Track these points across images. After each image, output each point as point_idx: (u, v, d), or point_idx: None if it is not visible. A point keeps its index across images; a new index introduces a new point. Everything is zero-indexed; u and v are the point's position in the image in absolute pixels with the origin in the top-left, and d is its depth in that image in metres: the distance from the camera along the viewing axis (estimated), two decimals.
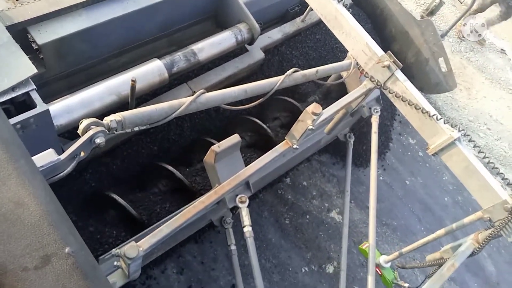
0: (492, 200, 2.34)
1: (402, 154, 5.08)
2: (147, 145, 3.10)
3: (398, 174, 4.88)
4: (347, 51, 2.90)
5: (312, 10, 3.49)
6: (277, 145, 2.53)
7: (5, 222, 1.06)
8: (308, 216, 4.12)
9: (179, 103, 1.99)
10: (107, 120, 1.76)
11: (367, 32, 2.76)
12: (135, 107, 2.28)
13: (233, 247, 2.75)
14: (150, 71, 2.79)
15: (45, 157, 1.57)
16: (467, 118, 6.09)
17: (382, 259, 3.21)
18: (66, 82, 2.82)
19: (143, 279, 3.27)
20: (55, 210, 1.14)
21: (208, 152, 2.52)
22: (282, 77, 2.40)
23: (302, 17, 3.93)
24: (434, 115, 2.51)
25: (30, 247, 1.06)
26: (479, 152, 2.49)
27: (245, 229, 2.43)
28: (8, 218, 1.07)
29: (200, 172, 3.06)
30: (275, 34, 3.76)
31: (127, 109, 1.96)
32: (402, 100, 2.60)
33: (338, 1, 2.75)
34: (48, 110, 2.15)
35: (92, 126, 1.69)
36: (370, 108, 3.38)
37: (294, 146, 2.46)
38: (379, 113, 3.30)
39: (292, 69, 2.47)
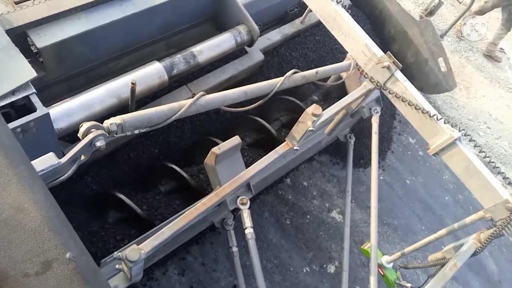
0: (493, 200, 2.34)
1: (402, 153, 5.07)
2: (147, 148, 3.10)
3: (398, 174, 4.87)
4: (347, 52, 2.90)
5: (311, 11, 3.50)
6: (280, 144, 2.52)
7: (5, 228, 1.06)
8: (308, 216, 4.11)
9: (179, 105, 1.99)
10: (107, 123, 1.76)
11: (366, 33, 2.75)
12: (135, 110, 2.28)
13: (234, 249, 2.73)
14: (150, 73, 2.79)
15: (46, 161, 1.58)
16: (467, 117, 6.08)
17: (384, 259, 3.19)
18: (66, 86, 2.83)
19: (144, 280, 3.26)
20: (56, 215, 1.14)
21: (209, 154, 2.52)
22: (281, 78, 2.40)
23: (301, 18, 3.92)
24: (434, 115, 2.51)
25: (31, 253, 1.05)
26: (480, 151, 2.48)
27: (246, 231, 2.42)
28: (9, 224, 1.07)
29: (203, 171, 3.04)
30: (275, 36, 3.76)
31: (127, 112, 1.96)
32: (402, 100, 2.60)
33: (337, 2, 2.74)
34: (48, 113, 2.16)
35: (92, 129, 1.69)
36: (370, 109, 3.38)
37: (295, 148, 2.46)
38: (379, 114, 3.30)
39: (292, 71, 2.47)
